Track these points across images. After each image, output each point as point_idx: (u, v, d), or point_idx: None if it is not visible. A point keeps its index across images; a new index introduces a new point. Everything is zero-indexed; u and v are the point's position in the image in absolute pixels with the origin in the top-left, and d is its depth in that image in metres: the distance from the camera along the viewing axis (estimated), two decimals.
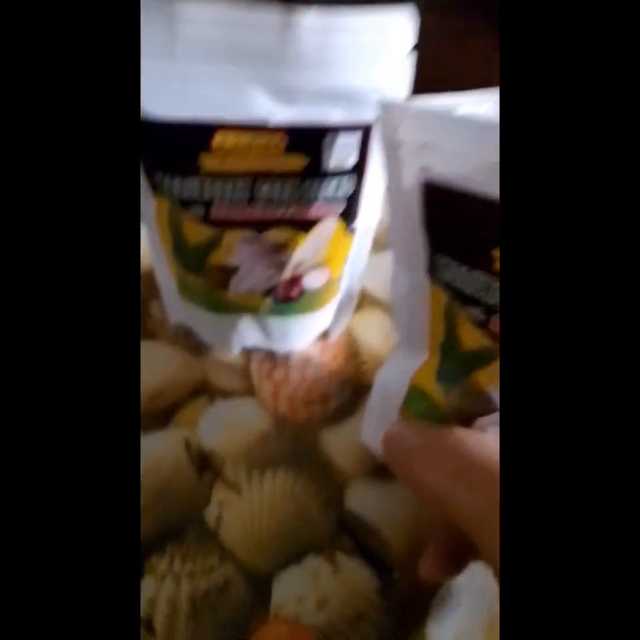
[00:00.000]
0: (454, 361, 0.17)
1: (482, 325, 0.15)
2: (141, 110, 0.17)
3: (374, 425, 0.22)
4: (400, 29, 0.17)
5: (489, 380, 0.16)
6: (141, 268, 0.31)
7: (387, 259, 0.33)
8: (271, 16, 0.15)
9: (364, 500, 0.24)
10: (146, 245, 0.25)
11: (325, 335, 0.28)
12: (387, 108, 0.15)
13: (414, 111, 0.14)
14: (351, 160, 0.19)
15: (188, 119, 0.17)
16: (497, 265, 0.14)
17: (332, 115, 0.18)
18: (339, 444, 0.26)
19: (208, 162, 0.18)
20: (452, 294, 0.16)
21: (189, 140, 0.18)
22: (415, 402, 0.19)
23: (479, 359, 0.16)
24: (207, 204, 0.20)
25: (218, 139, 0.18)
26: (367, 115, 0.18)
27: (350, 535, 0.24)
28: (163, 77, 0.17)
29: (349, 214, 0.21)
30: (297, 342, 0.27)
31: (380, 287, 0.31)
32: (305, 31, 0.16)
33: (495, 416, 0.17)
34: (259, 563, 0.23)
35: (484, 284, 0.15)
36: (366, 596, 0.22)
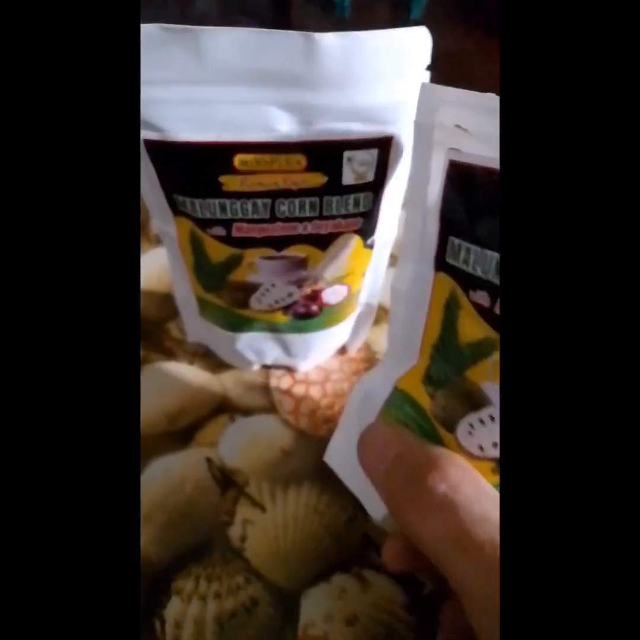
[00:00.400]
0: (447, 360, 0.17)
1: (487, 311, 0.16)
2: (164, 134, 0.18)
3: (345, 441, 0.21)
4: (416, 48, 0.17)
5: (486, 374, 0.16)
6: (161, 291, 0.32)
7: None
8: (292, 39, 0.16)
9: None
10: (165, 268, 0.26)
11: (343, 350, 0.29)
12: (426, 91, 0.16)
13: (451, 95, 0.15)
14: (369, 176, 0.19)
15: (209, 140, 0.18)
16: None
17: (350, 132, 0.18)
18: None
19: (229, 182, 0.19)
20: (458, 279, 0.16)
21: (211, 162, 0.18)
22: (397, 406, 0.19)
23: (476, 353, 0.16)
24: (229, 223, 0.20)
25: (239, 159, 0.18)
26: (385, 131, 0.18)
27: (378, 551, 0.23)
28: (187, 101, 0.17)
29: (367, 230, 0.21)
30: (316, 358, 0.27)
31: None
32: (325, 53, 0.16)
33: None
34: (285, 581, 0.22)
35: (494, 262, 0.15)
36: (394, 612, 0.22)
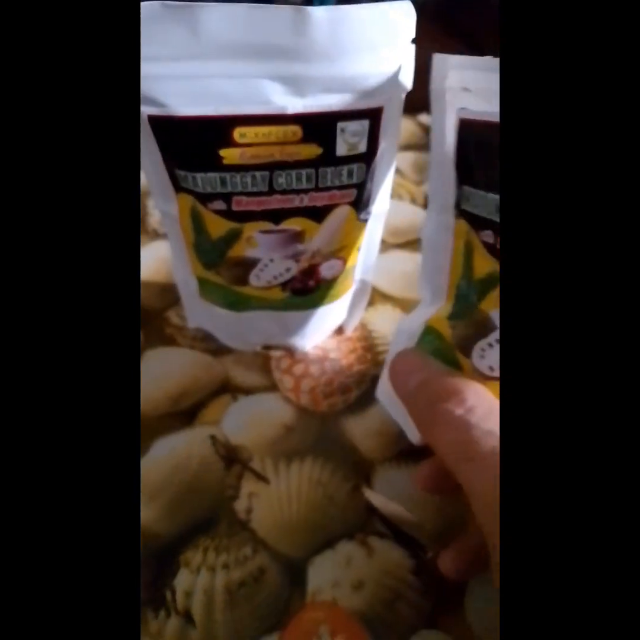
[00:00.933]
0: (467, 297, 0.19)
1: (492, 247, 0.18)
2: (165, 109, 0.19)
3: (387, 380, 0.23)
4: (400, 21, 0.18)
5: (493, 304, 0.18)
6: (160, 281, 0.32)
7: (394, 257, 0.34)
8: (283, 13, 0.17)
9: (391, 483, 0.25)
10: (166, 260, 0.27)
11: (340, 330, 0.29)
12: (437, 60, 0.18)
13: (457, 60, 0.18)
14: (362, 147, 0.20)
15: (208, 114, 0.19)
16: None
17: (342, 103, 0.19)
18: (362, 432, 0.26)
19: (229, 155, 0.20)
20: (470, 223, 0.19)
21: (211, 135, 0.19)
22: (427, 340, 0.21)
23: (486, 285, 0.18)
24: (229, 197, 0.21)
25: (238, 132, 0.19)
26: (374, 102, 0.19)
27: (381, 519, 0.24)
28: (185, 76, 0.18)
29: (360, 202, 0.22)
30: (315, 337, 0.28)
31: (390, 284, 0.32)
32: (314, 25, 0.17)
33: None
34: (292, 550, 0.23)
35: (496, 205, 0.17)
36: (402, 577, 0.22)
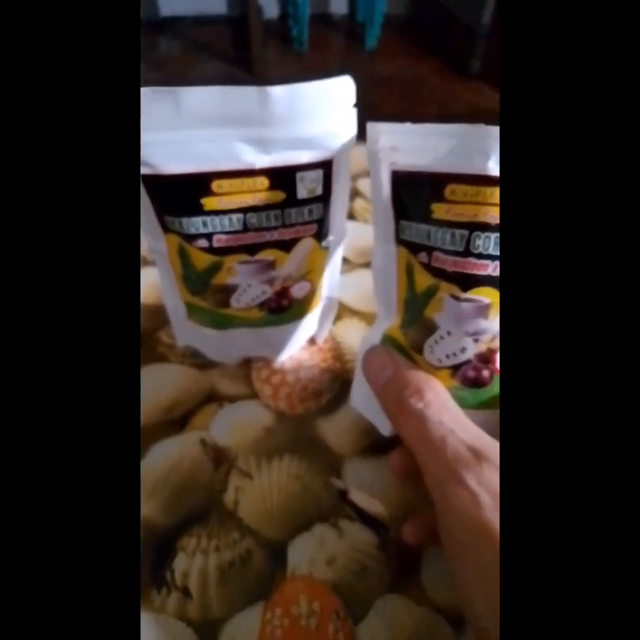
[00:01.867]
0: (413, 308, 0.23)
1: (427, 265, 0.22)
2: (154, 168, 0.22)
3: (358, 385, 0.27)
4: (342, 92, 0.22)
5: (434, 309, 0.22)
6: (151, 304, 0.36)
7: (360, 276, 0.38)
8: (249, 91, 0.21)
9: (359, 474, 0.29)
10: (156, 285, 0.30)
11: (313, 341, 0.33)
12: (371, 127, 0.22)
13: (386, 128, 0.21)
14: (318, 191, 0.24)
15: (191, 171, 0.23)
16: (433, 215, 0.21)
17: (300, 158, 0.23)
18: (333, 430, 0.30)
19: (209, 203, 0.23)
20: (409, 248, 0.23)
21: (193, 188, 0.23)
22: (386, 345, 0.25)
23: (427, 296, 0.22)
24: (210, 236, 0.25)
25: (216, 184, 0.23)
26: (326, 155, 0.23)
27: (350, 505, 0.28)
28: (171, 142, 0.22)
29: (321, 234, 0.26)
30: (290, 348, 0.32)
31: (355, 300, 0.36)
32: (274, 99, 0.21)
33: None
34: (274, 534, 0.26)
35: (426, 232, 0.21)
36: (368, 552, 0.26)
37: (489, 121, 0.19)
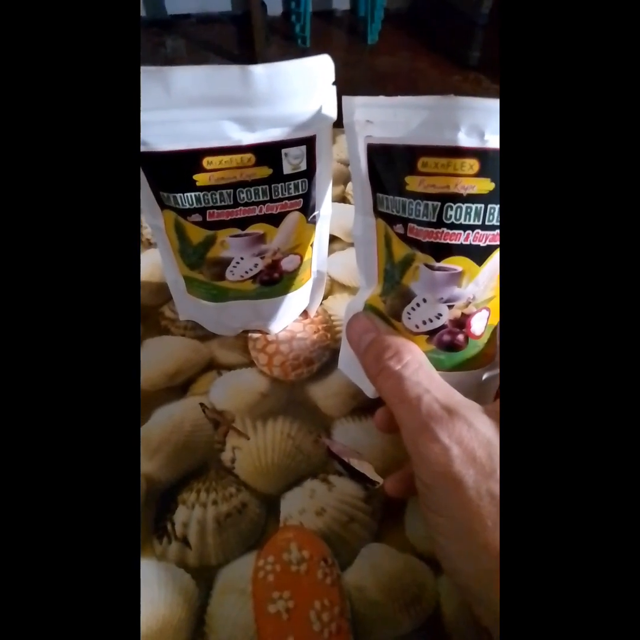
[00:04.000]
0: (392, 277, 0.24)
1: (403, 236, 0.23)
2: (148, 146, 0.24)
3: (345, 350, 0.28)
4: (322, 71, 0.24)
5: (411, 278, 0.23)
6: (155, 282, 0.38)
7: (350, 254, 0.40)
8: (233, 71, 0.23)
9: (347, 433, 0.30)
10: (159, 265, 0.32)
11: (305, 314, 0.35)
12: (346, 101, 0.23)
13: (361, 101, 0.22)
14: (303, 166, 0.26)
15: (183, 148, 0.25)
16: (407, 188, 0.21)
17: (284, 134, 0.25)
18: (323, 394, 0.32)
19: (201, 179, 0.25)
20: (386, 220, 0.24)
21: (185, 165, 0.25)
22: (368, 312, 0.26)
23: (404, 265, 0.23)
24: (203, 211, 0.27)
25: (206, 161, 0.25)
26: (308, 132, 0.25)
27: (338, 461, 0.29)
28: (163, 121, 0.24)
29: (307, 208, 0.28)
30: (283, 320, 0.34)
31: (345, 276, 0.38)
32: (256, 79, 0.23)
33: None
34: (268, 488, 0.28)
35: (401, 204, 0.22)
36: (354, 504, 0.28)
37: None
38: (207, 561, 0.26)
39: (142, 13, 2.09)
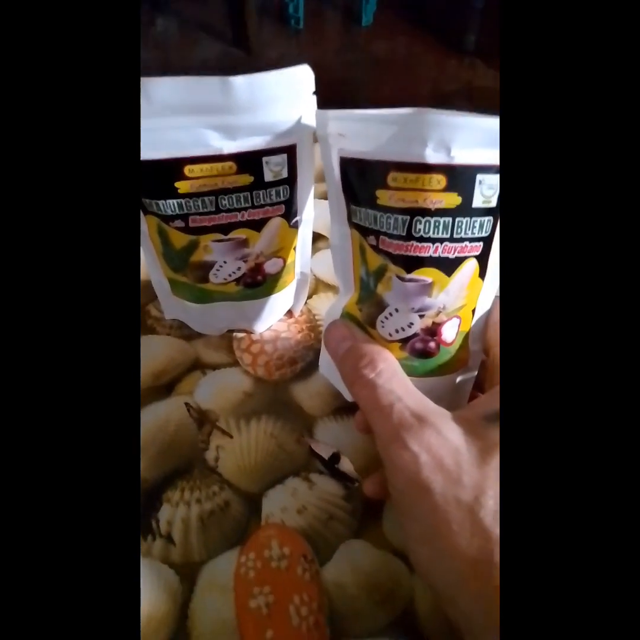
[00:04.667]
0: (367, 286, 0.25)
1: (376, 247, 0.23)
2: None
3: (324, 355, 0.29)
4: (302, 80, 0.24)
5: (384, 288, 0.24)
6: (141, 279, 0.38)
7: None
8: (213, 81, 0.23)
9: (328, 433, 0.31)
10: (144, 263, 0.33)
11: (290, 313, 0.36)
12: (319, 114, 0.23)
13: (333, 114, 0.23)
14: (284, 174, 0.26)
15: (164, 157, 0.25)
16: (378, 201, 0.22)
17: (265, 142, 0.25)
18: (306, 394, 0.33)
19: (182, 186, 0.26)
20: (359, 231, 0.24)
21: (167, 173, 0.25)
22: (346, 319, 0.27)
23: (378, 275, 0.24)
24: (185, 217, 0.27)
25: (187, 169, 0.25)
26: (289, 140, 0.25)
27: (320, 460, 0.30)
28: (144, 130, 0.24)
29: (289, 214, 0.29)
30: (268, 321, 0.34)
31: (330, 275, 0.39)
32: (236, 88, 0.23)
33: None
34: (250, 487, 0.29)
35: (373, 216, 0.23)
36: (335, 502, 0.29)
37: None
38: (191, 558, 0.27)
39: None
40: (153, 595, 0.26)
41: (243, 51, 1.67)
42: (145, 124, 0.24)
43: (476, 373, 0.28)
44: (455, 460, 0.20)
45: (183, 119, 0.24)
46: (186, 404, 0.32)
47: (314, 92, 0.25)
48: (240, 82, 0.23)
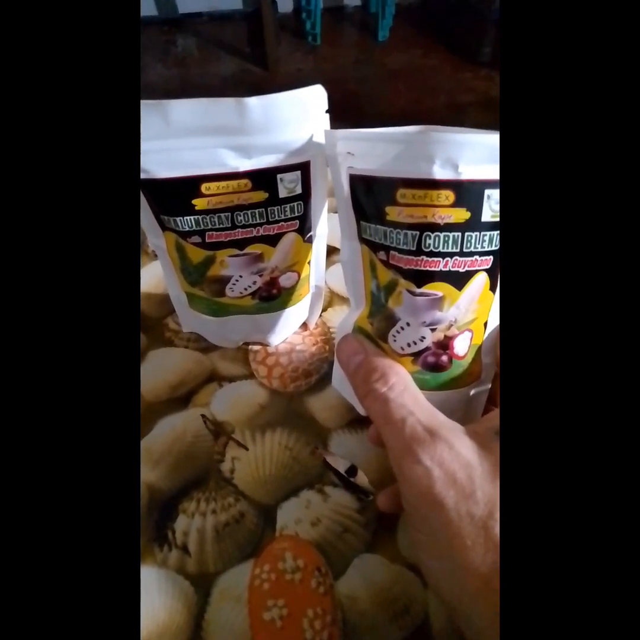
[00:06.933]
0: (377, 300, 0.25)
1: (386, 262, 0.24)
2: (149, 174, 0.25)
3: (337, 370, 0.29)
4: (314, 100, 0.25)
5: (395, 302, 0.24)
6: (159, 294, 0.39)
7: None
8: (229, 102, 0.24)
9: (343, 445, 0.31)
10: (162, 276, 0.33)
11: (305, 326, 0.36)
12: (328, 134, 0.24)
13: (342, 134, 0.23)
14: (298, 190, 0.27)
15: (182, 175, 0.26)
16: (387, 217, 0.22)
17: (279, 160, 0.26)
18: (321, 406, 0.33)
19: (199, 203, 0.26)
20: (369, 247, 0.24)
21: (184, 190, 0.26)
22: (357, 334, 0.27)
23: (388, 290, 0.24)
24: (202, 233, 0.28)
25: (204, 186, 0.26)
26: (302, 158, 0.26)
27: (334, 472, 0.30)
28: (162, 150, 0.25)
29: (303, 229, 0.29)
30: (283, 333, 0.35)
31: (344, 288, 0.39)
32: (251, 109, 0.24)
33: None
34: (265, 498, 0.30)
35: (383, 232, 0.23)
36: (349, 515, 0.29)
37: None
38: (206, 569, 0.27)
39: (154, 12, 2.10)
40: (168, 605, 0.26)
41: (261, 68, 1.70)
42: (163, 144, 0.25)
43: (489, 386, 0.28)
44: (467, 474, 0.20)
45: (200, 139, 0.25)
46: (203, 415, 0.32)
47: (327, 111, 0.26)
48: (254, 103, 0.24)
